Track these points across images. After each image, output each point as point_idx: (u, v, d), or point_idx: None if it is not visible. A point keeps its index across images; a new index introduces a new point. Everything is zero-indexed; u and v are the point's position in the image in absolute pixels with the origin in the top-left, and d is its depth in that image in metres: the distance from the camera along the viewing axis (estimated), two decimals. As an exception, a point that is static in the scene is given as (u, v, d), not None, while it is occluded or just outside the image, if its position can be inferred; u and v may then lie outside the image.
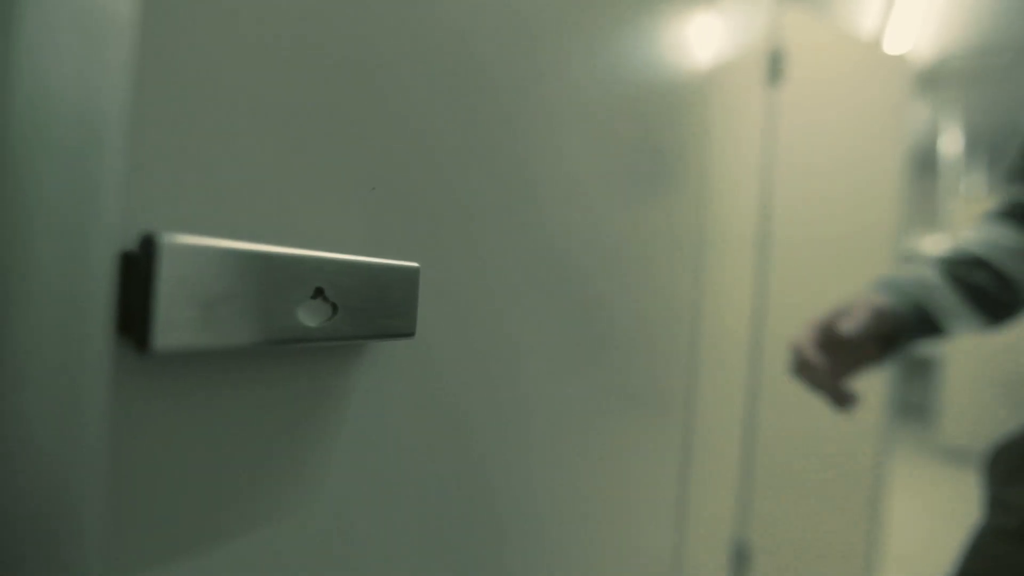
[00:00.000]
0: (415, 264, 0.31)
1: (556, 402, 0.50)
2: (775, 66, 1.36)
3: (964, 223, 3.64)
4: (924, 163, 4.71)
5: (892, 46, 1.64)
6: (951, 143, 4.06)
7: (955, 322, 0.55)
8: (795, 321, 1.46)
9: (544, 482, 0.49)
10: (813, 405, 1.52)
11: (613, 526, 0.61)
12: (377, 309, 0.29)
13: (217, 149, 0.25)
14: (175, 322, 0.21)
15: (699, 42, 0.78)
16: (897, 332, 0.55)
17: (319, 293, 0.26)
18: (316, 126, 0.29)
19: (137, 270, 0.21)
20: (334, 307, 0.26)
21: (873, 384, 1.67)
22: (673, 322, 0.75)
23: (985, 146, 4.20)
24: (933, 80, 3.13)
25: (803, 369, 0.56)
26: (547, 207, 0.46)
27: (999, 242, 0.54)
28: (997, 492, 0.54)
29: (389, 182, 0.33)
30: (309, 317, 0.25)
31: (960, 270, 0.54)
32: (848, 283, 1.56)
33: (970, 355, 3.76)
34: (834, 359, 0.56)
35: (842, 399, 0.53)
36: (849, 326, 0.52)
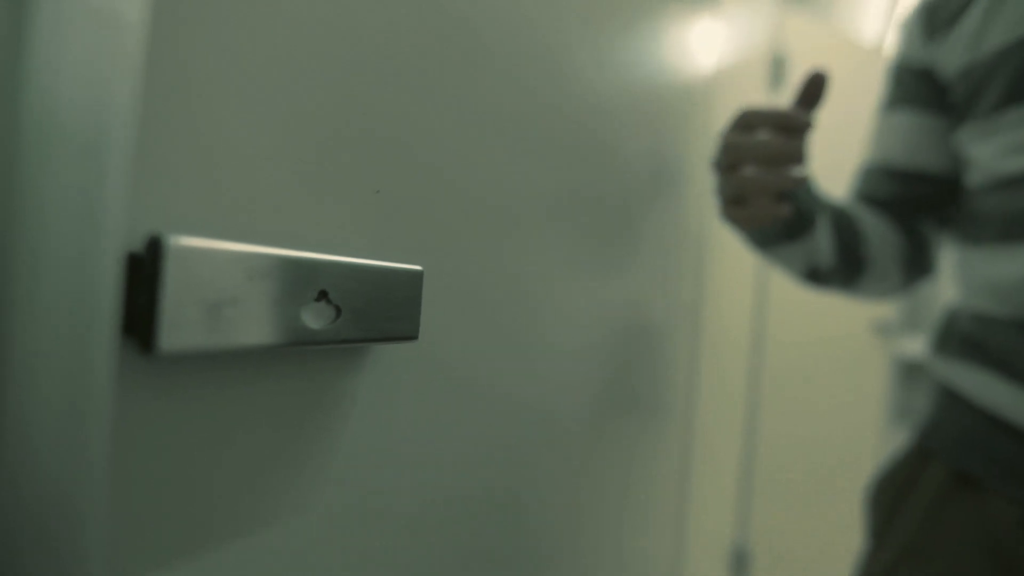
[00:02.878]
0: (419, 267, 0.31)
1: (558, 407, 0.50)
2: (778, 70, 1.36)
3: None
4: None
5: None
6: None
7: (812, 243, 0.54)
8: (795, 325, 1.46)
9: (545, 487, 0.49)
10: (813, 410, 1.52)
11: (613, 531, 0.61)
12: (381, 312, 0.29)
13: (223, 152, 0.25)
14: (180, 323, 0.21)
15: (702, 47, 0.78)
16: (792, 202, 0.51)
17: (323, 296, 0.26)
18: (321, 129, 0.29)
19: (143, 271, 0.21)
20: (338, 310, 0.26)
21: (872, 389, 1.67)
22: (673, 326, 0.75)
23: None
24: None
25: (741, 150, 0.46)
26: (552, 209, 0.47)
27: (862, 214, 0.59)
28: (876, 526, 0.56)
29: (393, 185, 0.33)
30: (313, 319, 0.25)
31: (836, 210, 0.57)
32: (849, 288, 1.56)
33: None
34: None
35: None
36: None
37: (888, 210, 0.61)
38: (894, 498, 0.55)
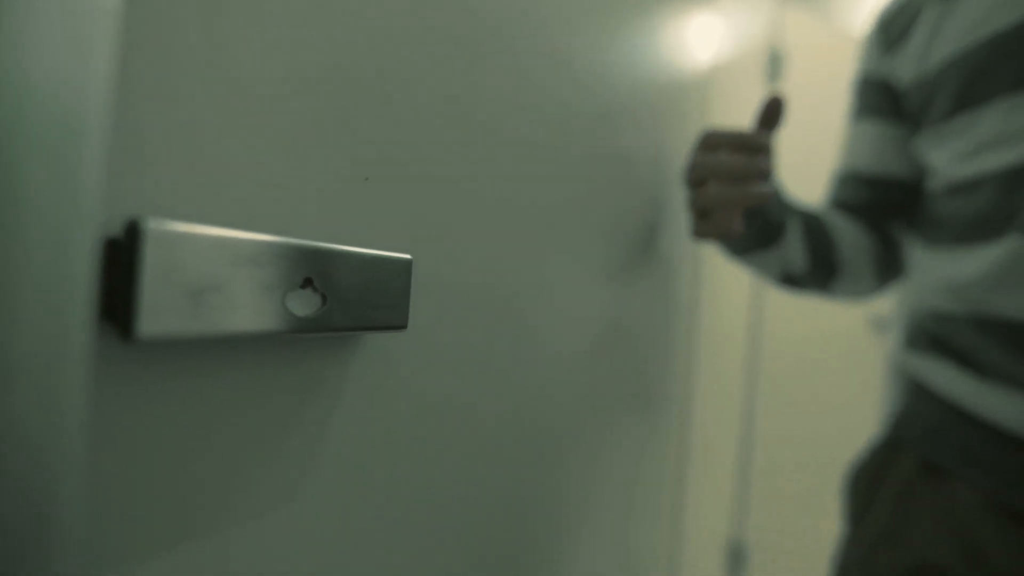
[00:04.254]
0: (408, 256, 0.31)
1: (551, 401, 0.49)
2: (775, 65, 1.36)
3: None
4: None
5: (892, 47, 1.64)
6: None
7: (784, 250, 0.57)
8: (792, 321, 1.46)
9: (538, 481, 0.49)
10: (810, 405, 1.52)
11: (608, 526, 0.61)
12: (368, 301, 0.28)
13: (206, 136, 0.25)
14: (160, 309, 0.20)
15: (699, 41, 0.78)
16: (757, 215, 0.54)
17: (308, 283, 0.25)
18: (309, 115, 0.29)
19: (122, 256, 0.21)
20: (324, 297, 0.26)
21: (869, 385, 1.67)
22: (670, 322, 0.75)
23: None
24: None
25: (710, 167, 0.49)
26: (546, 203, 0.46)
27: (835, 219, 0.63)
28: (853, 512, 0.59)
29: (383, 173, 0.33)
30: (298, 307, 0.25)
31: (808, 216, 0.60)
32: (846, 284, 1.56)
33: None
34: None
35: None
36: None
37: (860, 215, 0.65)
38: (869, 486, 0.57)
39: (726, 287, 1.17)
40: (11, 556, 0.18)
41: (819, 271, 0.60)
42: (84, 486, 0.22)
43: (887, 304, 1.70)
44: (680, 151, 0.74)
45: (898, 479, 0.54)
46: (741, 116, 1.18)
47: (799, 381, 1.49)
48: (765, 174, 0.48)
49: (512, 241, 0.43)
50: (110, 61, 0.19)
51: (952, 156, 0.51)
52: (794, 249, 0.58)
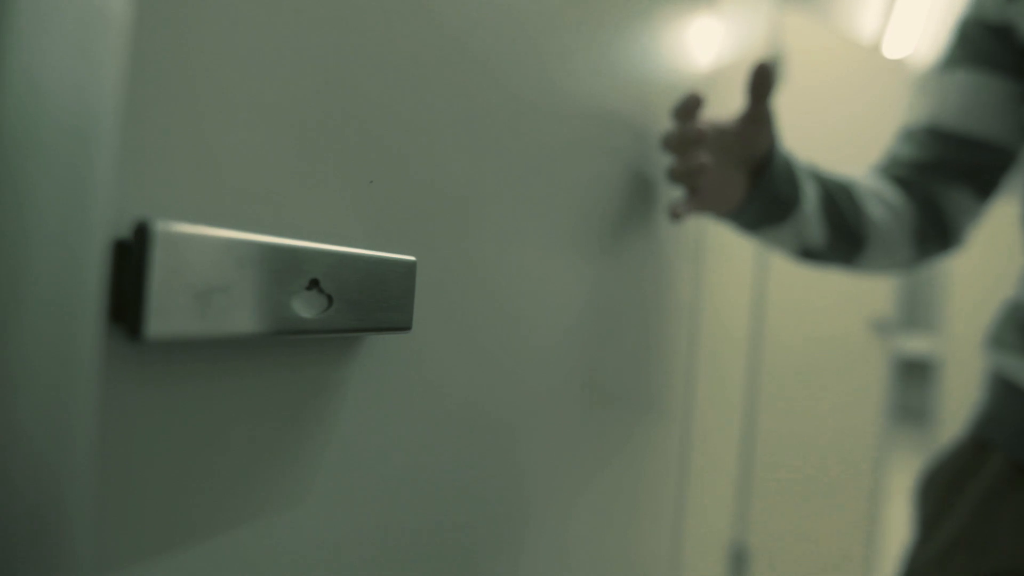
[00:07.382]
0: (412, 258, 0.31)
1: (553, 402, 0.49)
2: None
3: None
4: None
5: (892, 50, 1.64)
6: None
7: (798, 224, 0.54)
8: (794, 323, 1.46)
9: (540, 483, 0.49)
10: (812, 408, 1.52)
11: (610, 529, 0.61)
12: (373, 302, 0.28)
13: (215, 138, 0.25)
14: (168, 310, 0.21)
15: (699, 45, 0.78)
16: (758, 182, 0.52)
17: (314, 284, 0.26)
18: (315, 118, 0.29)
19: (130, 257, 0.21)
20: (329, 299, 0.26)
21: (871, 387, 1.67)
22: (671, 323, 0.75)
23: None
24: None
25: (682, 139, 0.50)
26: (550, 206, 0.46)
27: (871, 186, 0.58)
28: (925, 517, 0.56)
29: (387, 176, 0.33)
30: (304, 308, 0.25)
31: (832, 187, 0.56)
32: (847, 283, 1.56)
33: (969, 358, 3.76)
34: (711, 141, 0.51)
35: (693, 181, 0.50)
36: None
37: (919, 175, 0.58)
38: (946, 490, 0.54)
39: (727, 289, 1.17)
40: (22, 556, 0.18)
41: (842, 244, 0.56)
42: (92, 486, 0.22)
43: (888, 306, 1.70)
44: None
45: (983, 482, 0.51)
46: (742, 119, 1.18)
47: (800, 383, 1.49)
48: (697, 140, 0.48)
49: (517, 243, 0.43)
50: (119, 66, 0.19)
51: None
52: (810, 222, 0.53)
